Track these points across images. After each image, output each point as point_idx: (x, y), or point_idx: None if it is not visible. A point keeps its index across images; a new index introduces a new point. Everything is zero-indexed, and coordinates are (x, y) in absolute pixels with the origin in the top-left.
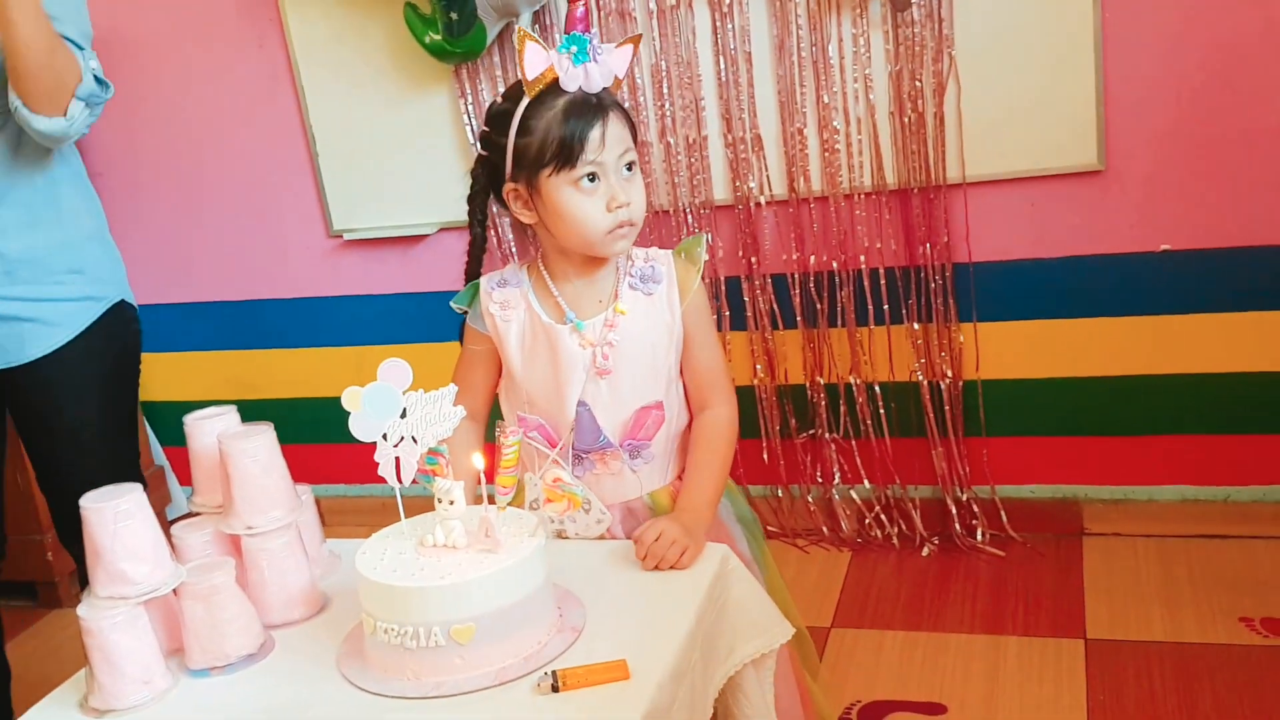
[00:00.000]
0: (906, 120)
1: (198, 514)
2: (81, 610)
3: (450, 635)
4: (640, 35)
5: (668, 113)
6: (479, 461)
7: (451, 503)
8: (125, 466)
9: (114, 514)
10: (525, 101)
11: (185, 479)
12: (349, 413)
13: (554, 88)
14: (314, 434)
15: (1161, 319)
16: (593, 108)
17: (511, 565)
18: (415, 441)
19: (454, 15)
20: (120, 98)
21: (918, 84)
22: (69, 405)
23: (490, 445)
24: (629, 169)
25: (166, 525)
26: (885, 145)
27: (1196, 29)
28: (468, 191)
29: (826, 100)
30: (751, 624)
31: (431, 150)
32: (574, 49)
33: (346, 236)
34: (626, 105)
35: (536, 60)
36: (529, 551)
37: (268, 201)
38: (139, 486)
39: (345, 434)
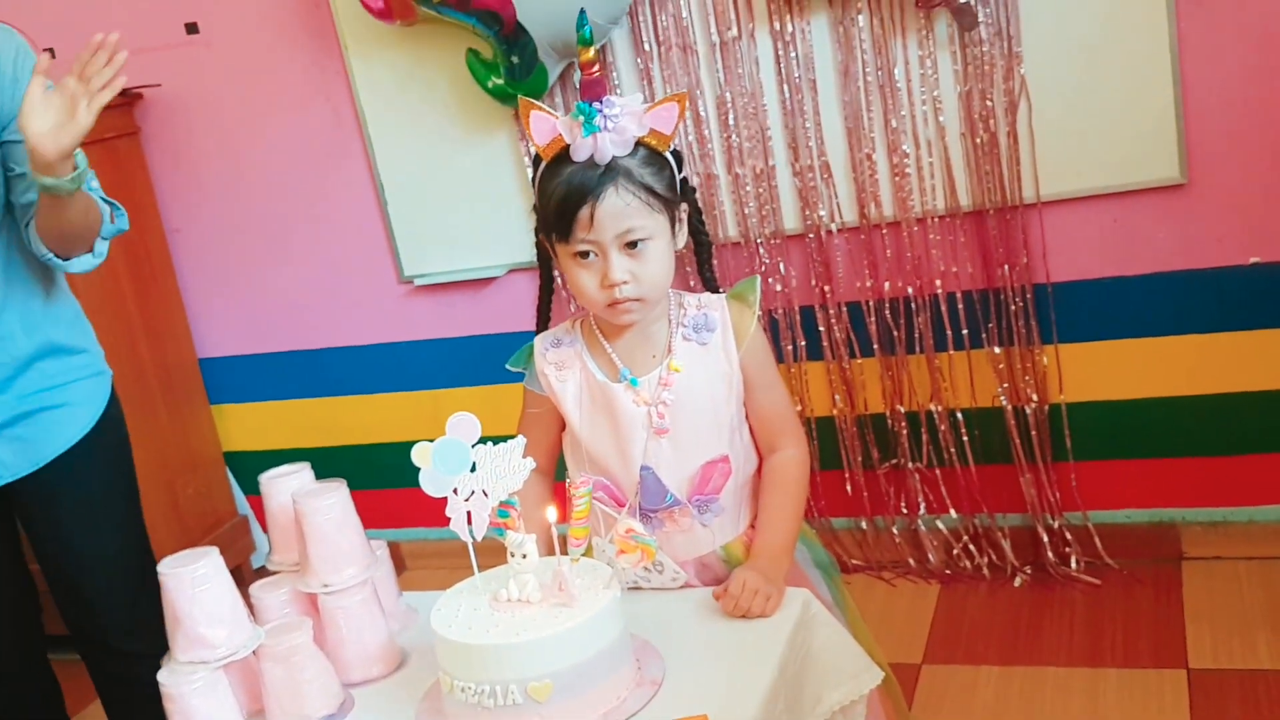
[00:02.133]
0: (978, 141)
1: (277, 572)
2: (162, 676)
3: (528, 693)
4: (685, 94)
5: (734, 144)
6: (552, 514)
7: (524, 556)
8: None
9: (191, 579)
10: (542, 166)
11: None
12: (419, 468)
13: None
14: (393, 479)
15: (1252, 334)
16: (594, 181)
17: (587, 620)
18: (486, 495)
19: (515, 59)
20: (193, 155)
21: (989, 103)
22: (99, 475)
23: (561, 495)
24: (631, 246)
25: (251, 574)
26: (957, 166)
27: (1276, 34)
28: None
29: (895, 124)
30: (838, 670)
31: (496, 192)
32: (582, 119)
33: (417, 282)
34: (674, 152)
35: (543, 129)
36: (604, 604)
37: (339, 250)
38: (214, 550)
39: None
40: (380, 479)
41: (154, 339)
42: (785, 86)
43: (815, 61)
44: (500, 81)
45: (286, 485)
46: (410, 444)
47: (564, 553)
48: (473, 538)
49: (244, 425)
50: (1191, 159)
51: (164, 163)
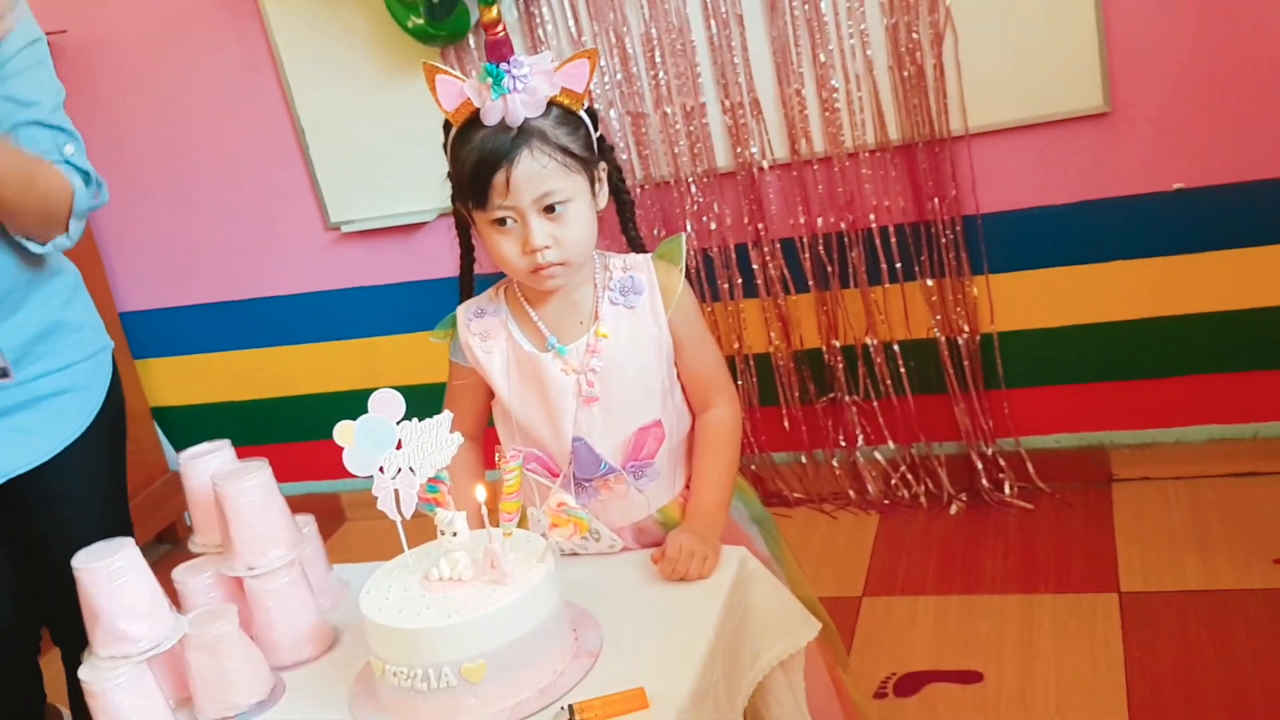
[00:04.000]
0: (906, 74)
1: (200, 554)
2: (84, 673)
3: (461, 675)
4: (595, 50)
5: (662, 82)
6: (482, 494)
7: (455, 534)
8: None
9: (108, 573)
10: (452, 132)
11: None
12: (342, 447)
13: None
14: (327, 429)
15: (1178, 259)
16: (507, 146)
17: (520, 597)
18: (414, 472)
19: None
20: (102, 102)
21: (915, 36)
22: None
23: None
24: (549, 210)
25: (187, 532)
26: (886, 101)
27: None
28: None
29: (823, 59)
30: (776, 625)
31: (423, 136)
32: (490, 81)
33: (345, 229)
34: (588, 110)
35: (451, 94)
36: (538, 580)
37: (262, 198)
38: (130, 541)
39: None
40: (315, 430)
41: None
42: (713, 22)
43: None
44: (420, 21)
45: (205, 466)
46: (345, 394)
47: (495, 526)
48: (401, 516)
49: (170, 380)
50: (1115, 87)
51: (73, 112)
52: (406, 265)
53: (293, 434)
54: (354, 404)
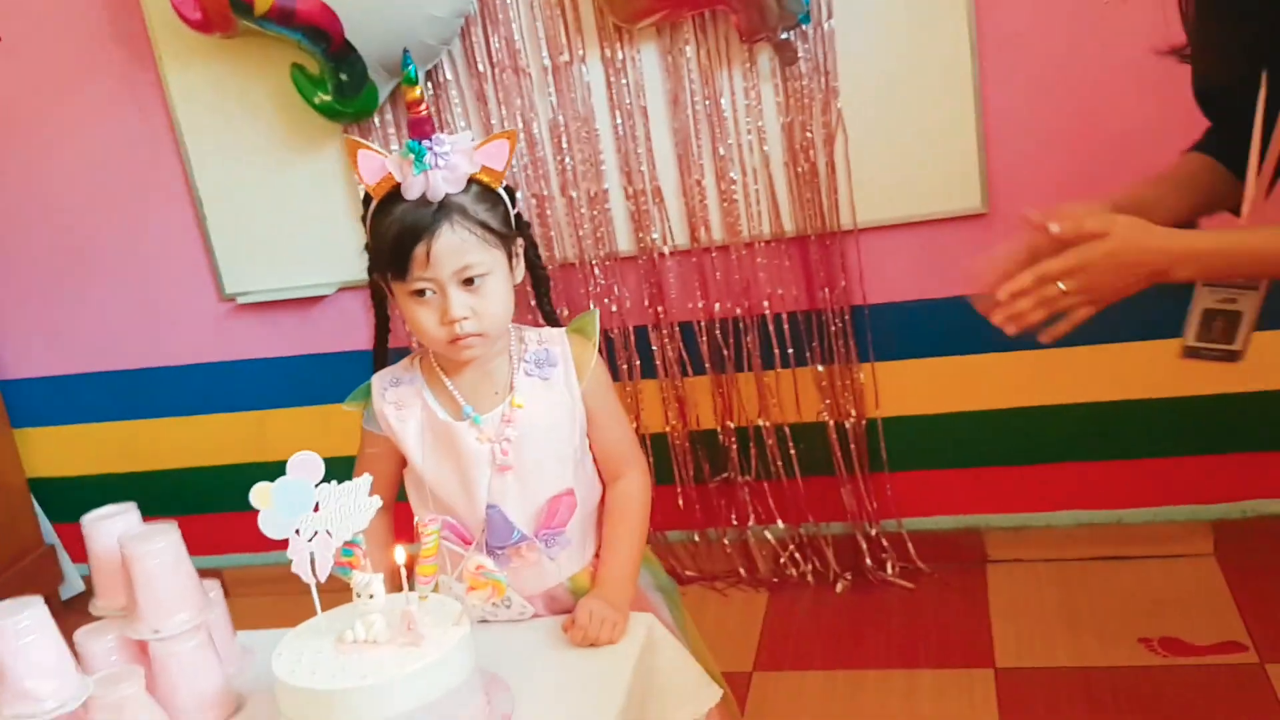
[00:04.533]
0: (800, 170)
1: (100, 617)
2: None
3: None
4: (514, 131)
5: (568, 166)
6: (401, 555)
7: (371, 596)
8: None
9: (15, 631)
10: (373, 205)
11: (77, 556)
12: (258, 510)
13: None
14: (214, 503)
15: (1049, 352)
16: (428, 219)
17: (437, 659)
18: (330, 535)
19: (344, 76)
20: None
21: (809, 134)
22: None
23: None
24: (469, 283)
25: (60, 608)
26: (781, 194)
27: (1067, 76)
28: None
29: (722, 152)
30: (679, 690)
31: (325, 209)
32: (412, 157)
33: (240, 300)
34: (506, 188)
35: (372, 168)
36: (454, 643)
37: (153, 266)
38: (39, 599)
39: (248, 502)
40: (201, 504)
41: None
42: (617, 112)
43: (645, 89)
44: (328, 98)
45: (111, 528)
46: (234, 467)
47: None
48: (316, 579)
49: (50, 450)
50: (992, 189)
51: None
52: (303, 338)
53: (177, 508)
54: (242, 477)
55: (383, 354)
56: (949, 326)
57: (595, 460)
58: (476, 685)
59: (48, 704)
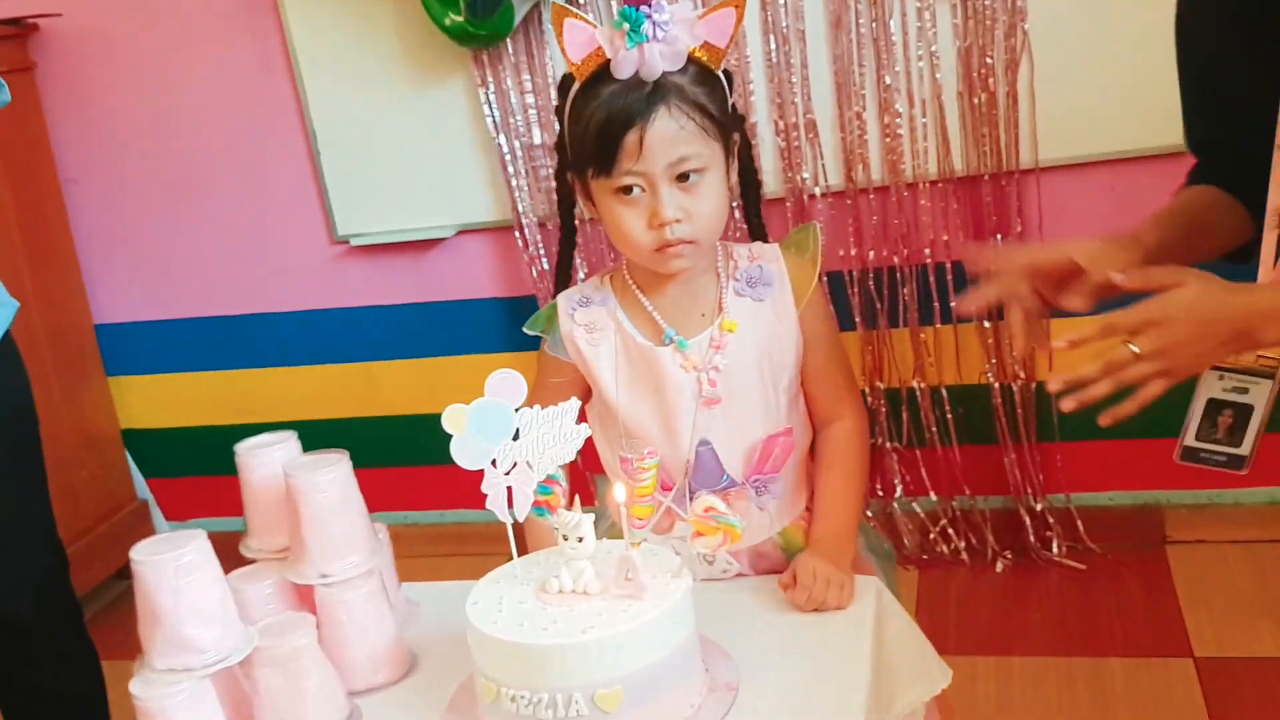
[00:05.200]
0: (976, 101)
1: (255, 559)
2: (135, 688)
3: (594, 701)
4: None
5: None
6: (621, 492)
7: (580, 539)
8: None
9: (175, 568)
10: (575, 87)
11: (171, 513)
12: (450, 435)
13: (609, 68)
14: None
15: None
16: (642, 103)
17: (661, 614)
18: (530, 467)
19: None
20: (96, 96)
21: (989, 60)
22: None
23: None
24: (683, 179)
25: None
26: (953, 128)
27: None
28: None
29: (888, 81)
30: (910, 667)
31: (448, 146)
32: (626, 27)
33: (353, 242)
34: (725, 71)
35: (579, 41)
36: (678, 597)
37: (263, 206)
38: (202, 533)
39: (355, 458)
40: None
41: (46, 302)
42: (771, 37)
43: (805, 11)
44: (459, 18)
45: (272, 457)
46: (344, 421)
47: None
48: (513, 518)
49: (146, 400)
50: None
51: (62, 104)
52: (419, 284)
53: None
54: (349, 433)
55: (566, 269)
56: None
57: (806, 398)
58: (697, 648)
59: (209, 655)
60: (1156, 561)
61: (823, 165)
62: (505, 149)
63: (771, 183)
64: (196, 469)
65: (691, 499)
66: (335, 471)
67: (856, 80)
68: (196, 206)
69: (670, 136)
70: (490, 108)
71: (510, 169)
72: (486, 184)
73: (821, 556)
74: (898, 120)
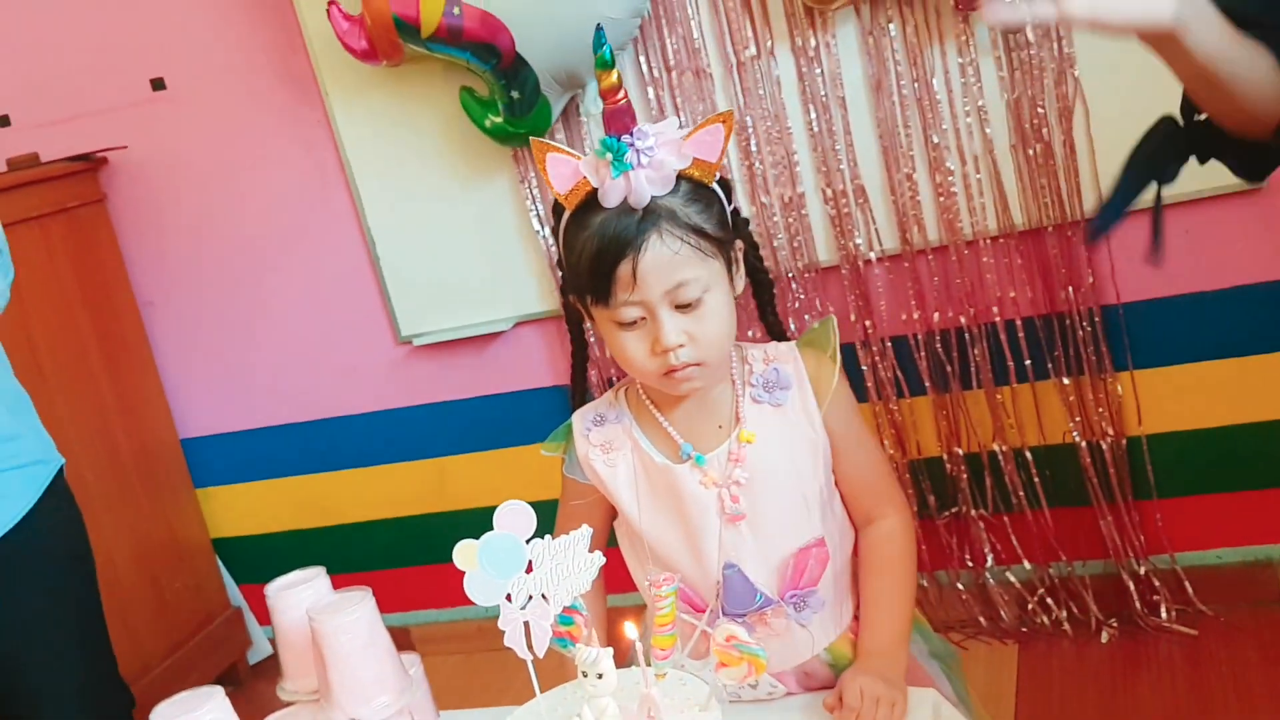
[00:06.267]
0: (1031, 153)
1: (291, 702)
2: None
3: None
4: (730, 113)
5: (758, 171)
6: (632, 631)
7: (600, 675)
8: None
9: None
10: (566, 215)
11: (264, 618)
12: (464, 572)
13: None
14: (397, 557)
15: None
16: (633, 231)
17: None
18: (546, 599)
19: (515, 94)
20: (164, 222)
21: (1040, 110)
22: (25, 592)
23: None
24: (681, 309)
25: (248, 673)
26: (1009, 182)
27: None
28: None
29: (936, 140)
30: None
31: (498, 240)
32: (610, 157)
33: (416, 342)
34: (721, 180)
35: (564, 174)
36: None
37: (330, 313)
38: (220, 691)
39: (431, 554)
40: (383, 558)
41: (130, 420)
42: (811, 106)
43: (844, 77)
44: (499, 120)
45: (299, 598)
46: (415, 518)
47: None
48: (533, 654)
49: (232, 509)
50: None
51: (134, 231)
52: (482, 378)
53: (360, 563)
54: (425, 528)
55: (581, 387)
56: (1224, 323)
57: (844, 500)
58: None
59: None
60: (1273, 621)
61: (876, 230)
62: (550, 242)
63: (824, 251)
64: (284, 573)
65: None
66: (359, 611)
67: (903, 142)
68: (267, 319)
69: (665, 263)
70: (533, 200)
71: (555, 261)
72: (539, 275)
73: (870, 672)
74: (950, 179)
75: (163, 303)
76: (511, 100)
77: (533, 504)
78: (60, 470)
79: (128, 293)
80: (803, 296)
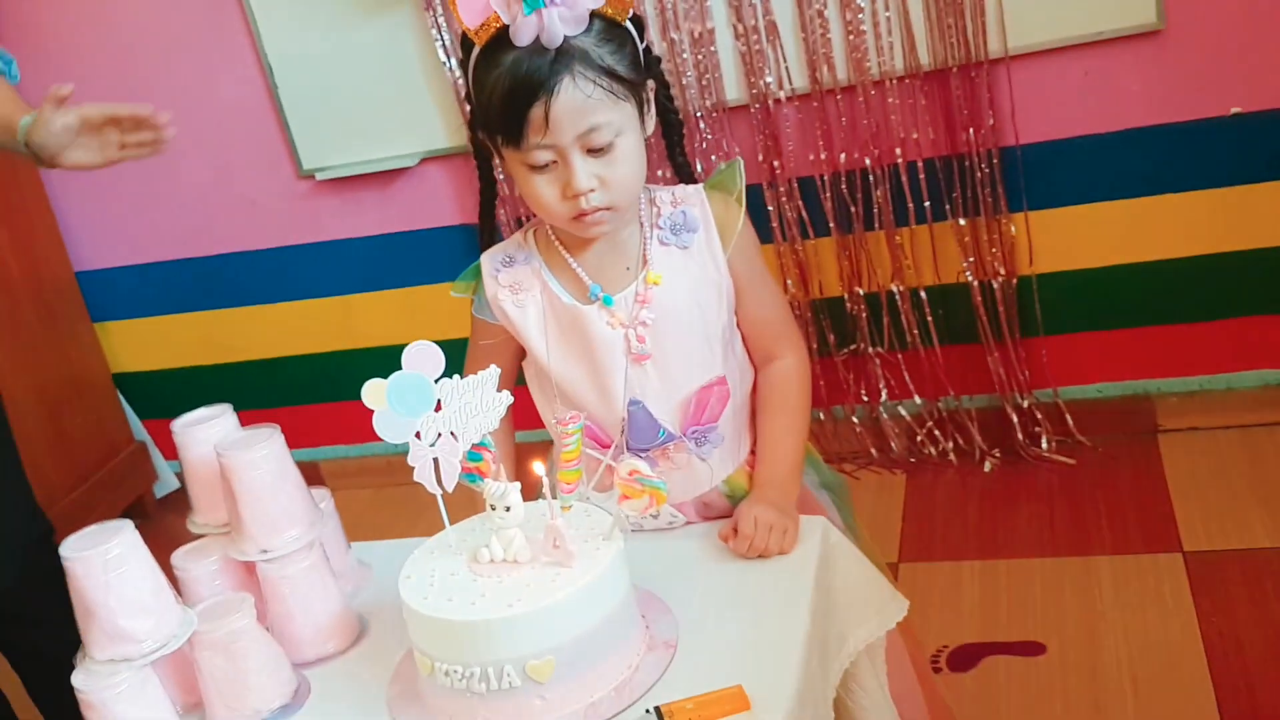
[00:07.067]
0: None
1: (200, 535)
2: (78, 680)
3: (526, 673)
4: None
5: (667, 6)
6: (540, 468)
7: (508, 508)
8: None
9: (104, 562)
10: (475, 51)
11: (169, 452)
12: (373, 410)
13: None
14: (303, 394)
15: (1234, 190)
16: (544, 71)
17: (591, 581)
18: (455, 438)
19: None
20: (52, 40)
21: None
22: None
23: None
24: (593, 152)
25: (155, 507)
26: (917, 20)
27: None
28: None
29: None
30: (862, 604)
31: (403, 75)
32: None
33: (319, 177)
34: (633, 18)
35: (472, 7)
36: (608, 561)
37: (228, 145)
38: (129, 524)
39: (337, 391)
40: (289, 395)
41: (23, 254)
42: None
43: None
44: None
45: (206, 435)
46: (321, 355)
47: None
48: (442, 489)
49: (133, 343)
50: (1170, 2)
51: (21, 57)
52: (387, 215)
53: (265, 400)
54: (331, 365)
55: (490, 226)
56: (1116, 166)
57: (744, 340)
58: (633, 607)
59: (145, 644)
60: (1148, 452)
61: (786, 69)
62: (458, 75)
63: (734, 89)
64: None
65: (631, 455)
66: (268, 448)
67: None
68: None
69: (578, 107)
70: (439, 32)
71: (463, 95)
72: (445, 111)
73: (764, 502)
74: (860, 16)
75: None
76: None
77: (440, 343)
78: None
79: None
80: (710, 136)
